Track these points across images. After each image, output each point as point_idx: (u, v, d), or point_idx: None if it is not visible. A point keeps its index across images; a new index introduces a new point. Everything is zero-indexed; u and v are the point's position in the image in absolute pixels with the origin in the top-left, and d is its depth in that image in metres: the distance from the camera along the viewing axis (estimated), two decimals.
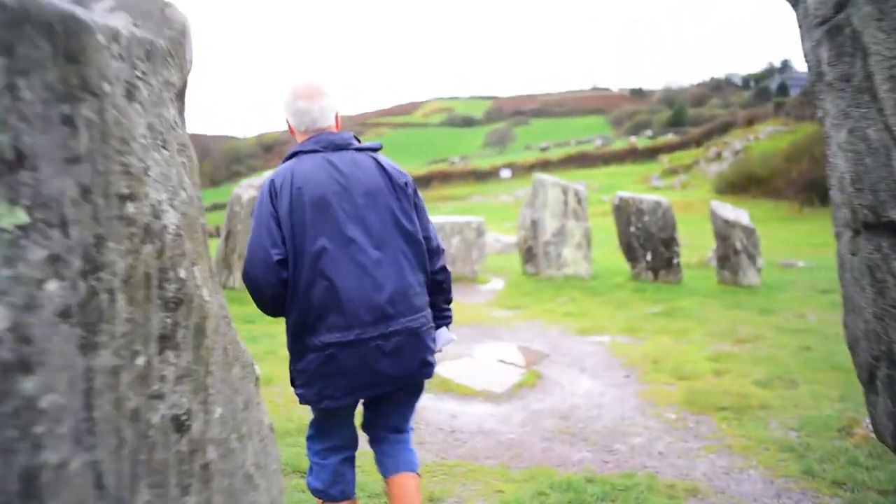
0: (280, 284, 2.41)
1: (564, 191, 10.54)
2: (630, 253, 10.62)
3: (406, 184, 2.58)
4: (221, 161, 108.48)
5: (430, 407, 4.88)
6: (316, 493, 2.71)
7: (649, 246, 10.36)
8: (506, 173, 44.03)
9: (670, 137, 61.79)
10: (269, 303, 2.47)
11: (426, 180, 51.39)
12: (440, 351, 2.77)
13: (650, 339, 6.85)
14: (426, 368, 2.56)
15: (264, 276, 2.40)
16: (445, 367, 5.74)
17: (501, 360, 6.13)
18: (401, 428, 2.79)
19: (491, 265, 12.61)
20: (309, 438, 2.73)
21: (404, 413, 2.78)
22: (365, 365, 2.40)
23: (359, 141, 2.65)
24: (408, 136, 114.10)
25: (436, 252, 2.66)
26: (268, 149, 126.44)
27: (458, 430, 4.49)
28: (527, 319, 7.95)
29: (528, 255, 10.77)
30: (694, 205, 26.78)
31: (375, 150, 2.66)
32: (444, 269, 2.70)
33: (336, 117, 2.66)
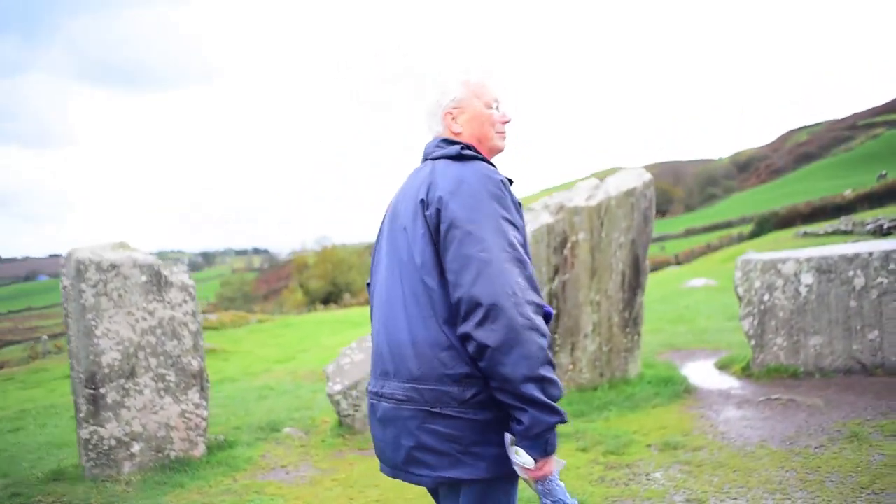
0: None
1: None
2: None
3: (423, 201, 1.92)
4: (695, 185, 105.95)
5: None
6: None
7: None
8: None
9: None
10: None
11: None
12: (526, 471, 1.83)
13: None
14: (414, 468, 1.91)
15: None
16: None
17: None
18: None
19: None
20: None
21: None
22: (370, 424, 2.08)
23: (461, 145, 2.05)
24: None
25: (463, 306, 1.79)
26: (743, 168, 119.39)
27: None
28: None
29: None
30: None
31: (450, 156, 2.03)
32: (468, 337, 1.79)
33: (446, 116, 2.14)
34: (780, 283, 6.17)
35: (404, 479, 1.97)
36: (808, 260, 6.08)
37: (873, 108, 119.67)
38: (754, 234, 45.76)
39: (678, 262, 40.41)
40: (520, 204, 2.02)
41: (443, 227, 1.85)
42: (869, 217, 36.07)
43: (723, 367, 6.84)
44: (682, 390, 5.90)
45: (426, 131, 2.22)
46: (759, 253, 7.20)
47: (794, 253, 6.50)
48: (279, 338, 13.95)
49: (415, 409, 1.86)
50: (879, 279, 5.80)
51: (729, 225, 60.39)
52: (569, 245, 5.85)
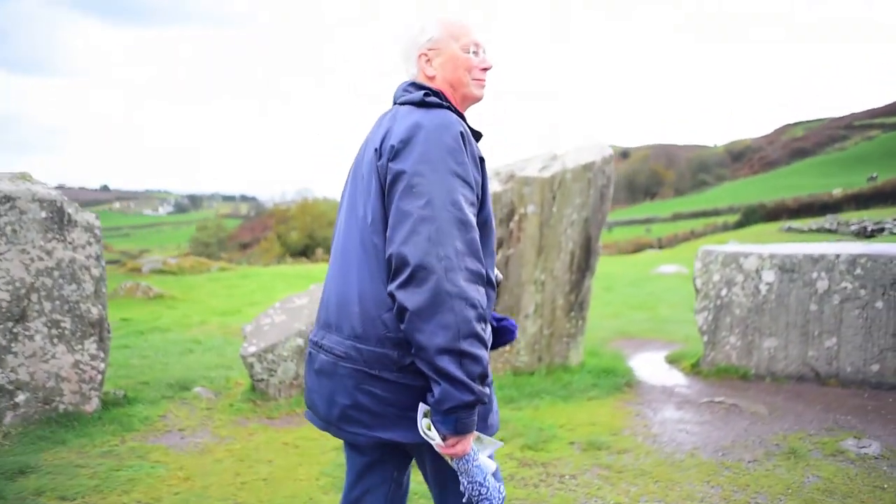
0: None
1: None
2: None
3: (377, 151, 1.79)
4: (687, 170, 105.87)
5: None
6: None
7: None
8: None
9: None
10: None
11: None
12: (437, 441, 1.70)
13: None
14: (347, 426, 1.83)
15: None
16: None
17: None
18: None
19: None
20: None
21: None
22: (306, 373, 1.98)
23: (425, 91, 1.88)
24: None
25: (393, 263, 1.68)
26: (736, 157, 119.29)
27: None
28: None
29: None
30: None
31: (413, 102, 1.85)
32: (392, 297, 1.69)
33: (420, 57, 1.97)
34: (740, 278, 5.81)
35: (335, 435, 1.90)
36: (772, 257, 5.71)
37: (871, 110, 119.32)
38: (739, 225, 45.61)
39: (660, 246, 40.21)
40: (482, 160, 1.85)
41: (389, 179, 1.73)
42: (854, 218, 35.91)
43: (673, 361, 6.51)
44: (624, 383, 5.55)
45: (404, 75, 2.05)
46: (735, 245, 6.82)
47: (758, 248, 6.12)
48: (234, 289, 13.48)
49: (352, 368, 1.79)
50: (843, 283, 5.45)
51: (716, 213, 60.17)
52: (516, 218, 5.42)
